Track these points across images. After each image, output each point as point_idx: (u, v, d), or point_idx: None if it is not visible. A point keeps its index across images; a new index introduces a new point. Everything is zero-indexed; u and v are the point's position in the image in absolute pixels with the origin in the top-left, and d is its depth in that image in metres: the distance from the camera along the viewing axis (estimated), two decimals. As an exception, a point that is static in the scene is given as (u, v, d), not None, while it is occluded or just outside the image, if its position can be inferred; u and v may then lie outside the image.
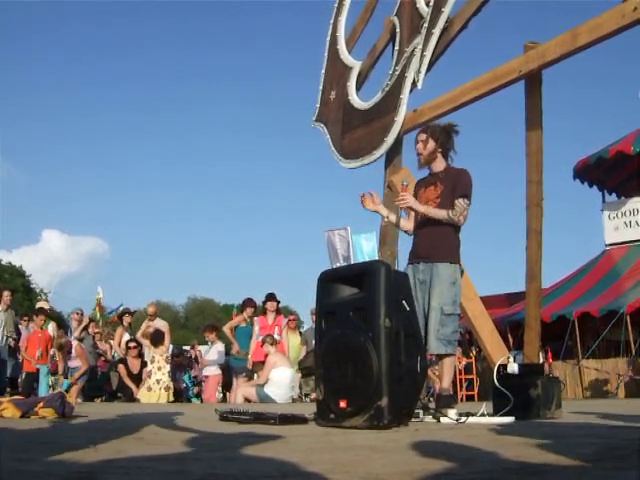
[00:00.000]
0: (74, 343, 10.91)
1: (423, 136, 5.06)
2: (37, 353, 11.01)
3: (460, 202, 4.85)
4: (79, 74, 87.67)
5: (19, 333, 11.92)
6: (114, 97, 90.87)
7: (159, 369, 10.51)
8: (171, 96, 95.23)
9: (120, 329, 12.63)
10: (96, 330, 13.00)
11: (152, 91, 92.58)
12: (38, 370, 10.99)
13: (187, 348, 15.27)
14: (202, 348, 14.36)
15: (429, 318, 4.74)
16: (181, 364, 12.97)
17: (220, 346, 12.38)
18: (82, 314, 12.66)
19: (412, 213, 5.18)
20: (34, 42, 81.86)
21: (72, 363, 10.65)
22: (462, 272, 4.99)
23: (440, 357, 4.89)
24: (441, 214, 4.86)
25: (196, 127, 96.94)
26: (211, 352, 12.36)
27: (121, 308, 14.56)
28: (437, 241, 4.90)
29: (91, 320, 12.96)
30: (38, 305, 13.96)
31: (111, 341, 13.09)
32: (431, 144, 5.01)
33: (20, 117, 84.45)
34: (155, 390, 10.38)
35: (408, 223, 5.21)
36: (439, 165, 5.07)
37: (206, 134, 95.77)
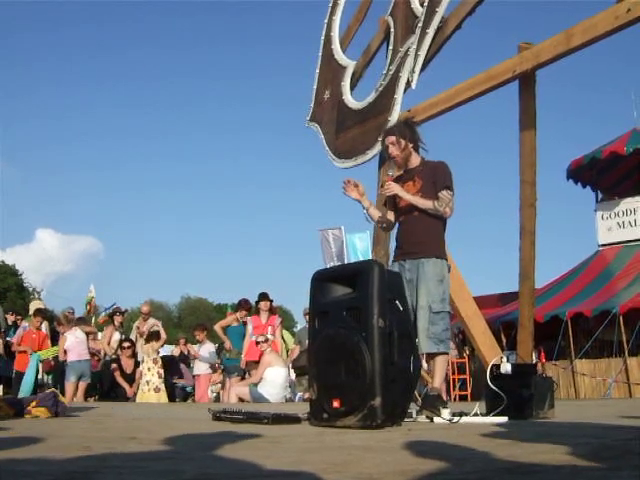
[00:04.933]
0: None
1: (392, 138, 4.99)
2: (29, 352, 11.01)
3: (444, 194, 4.79)
4: (74, 73, 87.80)
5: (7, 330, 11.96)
6: (109, 96, 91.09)
7: (148, 370, 10.46)
8: (166, 95, 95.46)
9: (110, 328, 12.51)
10: (88, 329, 12.90)
11: (147, 90, 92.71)
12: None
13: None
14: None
15: (418, 317, 4.64)
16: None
17: (210, 346, 12.37)
18: (74, 313, 12.61)
19: (388, 209, 5.09)
20: (29, 41, 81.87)
21: (69, 357, 10.62)
22: (449, 268, 4.91)
23: (432, 356, 4.79)
24: (428, 204, 4.79)
25: (191, 126, 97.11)
26: (201, 351, 12.35)
27: (111, 308, 14.45)
28: (423, 236, 4.82)
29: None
30: (35, 306, 13.83)
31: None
32: (402, 142, 4.95)
33: (15, 116, 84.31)
34: (145, 391, 10.33)
35: (385, 217, 5.09)
36: (414, 160, 5.02)
37: (201, 133, 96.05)
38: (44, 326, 12.19)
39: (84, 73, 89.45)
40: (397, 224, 5.09)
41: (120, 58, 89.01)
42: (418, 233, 4.85)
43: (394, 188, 4.87)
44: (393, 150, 5.00)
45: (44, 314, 12.17)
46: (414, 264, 4.78)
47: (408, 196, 4.84)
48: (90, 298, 15.97)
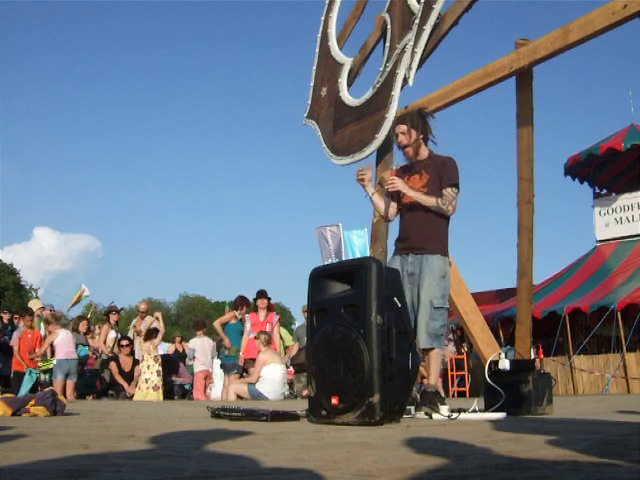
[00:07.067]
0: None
1: (403, 127, 4.88)
2: (28, 355, 10.98)
3: (449, 191, 4.71)
4: (73, 72, 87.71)
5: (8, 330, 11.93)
6: (107, 95, 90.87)
7: (147, 368, 10.46)
8: (163, 94, 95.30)
9: (106, 327, 12.50)
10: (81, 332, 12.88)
11: (147, 90, 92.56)
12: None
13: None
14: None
15: (419, 312, 4.59)
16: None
17: (198, 340, 12.41)
18: (54, 310, 12.63)
19: (391, 201, 5.00)
20: (29, 40, 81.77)
21: (57, 354, 10.62)
22: (450, 264, 4.87)
23: (426, 351, 4.72)
24: (431, 201, 4.72)
25: (188, 124, 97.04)
26: (190, 345, 12.41)
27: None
28: (428, 232, 4.76)
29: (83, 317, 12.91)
30: (33, 305, 13.82)
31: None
32: (413, 133, 4.86)
33: (12, 115, 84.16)
34: (142, 389, 10.33)
35: (388, 208, 5.01)
36: (422, 153, 4.91)
37: (198, 131, 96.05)
38: (42, 324, 12.18)
39: (84, 73, 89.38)
40: (400, 217, 5.02)
41: (120, 58, 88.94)
42: (424, 229, 4.79)
43: (398, 184, 4.77)
44: (403, 139, 4.90)
45: (32, 312, 12.10)
46: (418, 258, 4.73)
47: (412, 192, 4.77)
48: (78, 298, 15.89)
